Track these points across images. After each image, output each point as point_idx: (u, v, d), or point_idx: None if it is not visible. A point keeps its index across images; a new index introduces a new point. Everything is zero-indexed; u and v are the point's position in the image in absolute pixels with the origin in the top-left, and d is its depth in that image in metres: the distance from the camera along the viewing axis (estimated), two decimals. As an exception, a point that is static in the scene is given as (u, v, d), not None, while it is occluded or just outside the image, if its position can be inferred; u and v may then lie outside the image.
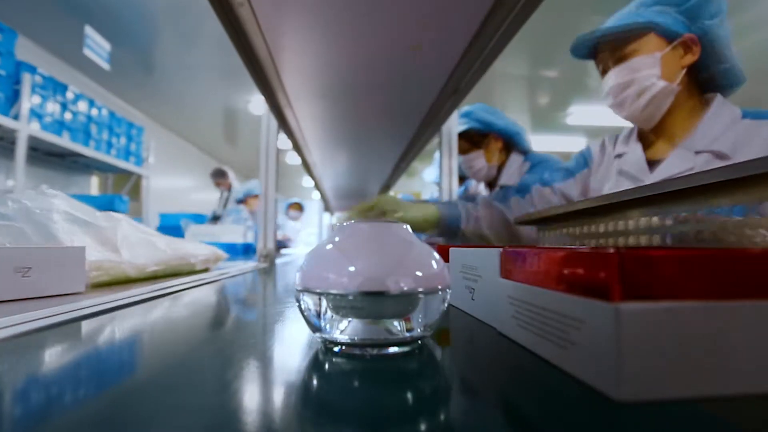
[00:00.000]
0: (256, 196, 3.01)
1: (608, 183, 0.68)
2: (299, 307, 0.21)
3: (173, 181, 4.09)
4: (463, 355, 0.21)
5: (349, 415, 0.13)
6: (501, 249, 0.22)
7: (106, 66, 2.12)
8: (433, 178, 1.60)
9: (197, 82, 2.90)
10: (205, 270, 0.66)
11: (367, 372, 0.17)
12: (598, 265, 0.14)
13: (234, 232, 1.55)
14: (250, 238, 1.68)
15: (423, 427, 0.12)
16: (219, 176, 2.94)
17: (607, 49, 0.63)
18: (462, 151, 1.11)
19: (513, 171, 1.07)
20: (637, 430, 0.12)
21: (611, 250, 0.14)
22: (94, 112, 2.14)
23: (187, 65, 2.58)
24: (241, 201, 2.88)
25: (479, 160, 1.09)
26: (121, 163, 2.45)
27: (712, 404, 0.13)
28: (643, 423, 0.12)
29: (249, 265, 0.86)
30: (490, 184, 1.15)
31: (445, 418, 0.13)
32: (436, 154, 1.55)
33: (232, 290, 0.48)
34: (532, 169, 1.03)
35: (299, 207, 3.70)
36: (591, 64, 0.69)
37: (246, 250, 1.51)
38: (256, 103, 3.25)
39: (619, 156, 0.68)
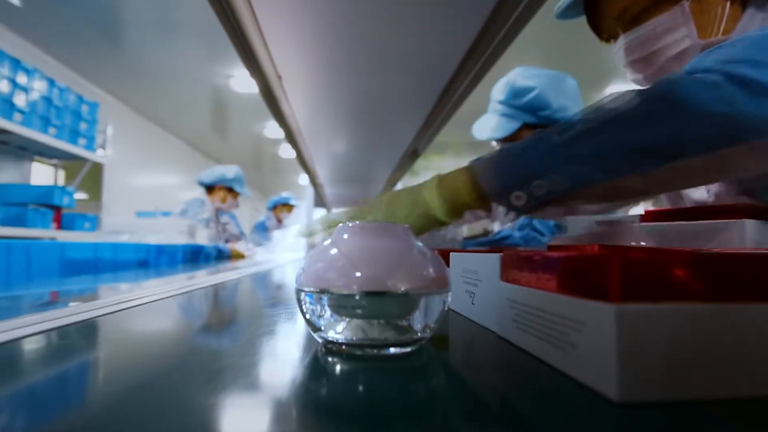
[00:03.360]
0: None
1: None
2: (299, 306, 0.22)
3: (153, 178, 3.70)
4: (463, 358, 0.23)
5: (347, 415, 0.14)
6: (501, 253, 0.24)
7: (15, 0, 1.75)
8: (492, 132, 0.91)
9: (169, 51, 2.48)
10: None
11: (366, 372, 0.18)
12: (599, 267, 0.16)
13: (173, 229, 1.24)
14: (203, 239, 1.36)
15: (423, 429, 0.13)
16: None
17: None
18: (629, 17, 0.51)
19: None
20: (637, 432, 0.13)
21: (611, 253, 0.15)
22: (22, 78, 1.88)
23: (154, 25, 2.19)
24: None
25: (678, 31, 0.49)
26: (63, 145, 2.09)
27: (711, 406, 0.14)
28: (643, 425, 0.13)
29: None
30: None
31: (445, 421, 0.14)
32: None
33: None
34: None
35: (290, 209, 2.95)
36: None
37: (193, 256, 1.17)
38: (240, 79, 2.83)
39: None
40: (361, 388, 0.17)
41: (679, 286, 0.15)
